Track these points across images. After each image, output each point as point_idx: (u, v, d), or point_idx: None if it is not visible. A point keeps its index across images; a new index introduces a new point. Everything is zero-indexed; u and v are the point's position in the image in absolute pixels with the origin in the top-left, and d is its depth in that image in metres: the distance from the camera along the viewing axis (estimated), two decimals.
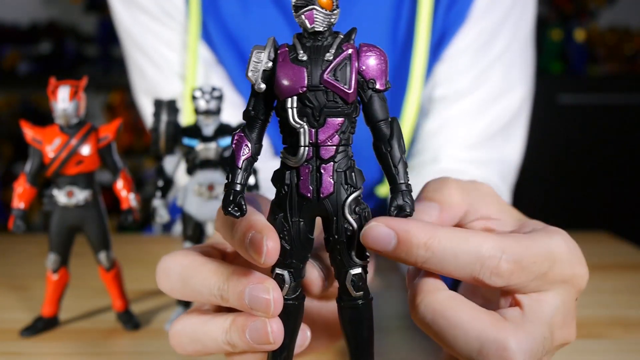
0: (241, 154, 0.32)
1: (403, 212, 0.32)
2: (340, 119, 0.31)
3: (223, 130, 0.50)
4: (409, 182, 0.32)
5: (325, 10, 0.31)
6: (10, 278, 0.67)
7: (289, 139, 0.32)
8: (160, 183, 0.52)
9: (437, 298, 0.32)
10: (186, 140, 0.50)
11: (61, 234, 0.51)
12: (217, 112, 0.50)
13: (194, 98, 0.50)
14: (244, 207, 0.31)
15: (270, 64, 0.32)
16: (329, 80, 0.31)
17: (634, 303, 0.60)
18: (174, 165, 0.52)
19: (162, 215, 0.51)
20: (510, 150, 0.76)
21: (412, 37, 0.75)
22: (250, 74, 0.32)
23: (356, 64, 0.31)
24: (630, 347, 0.49)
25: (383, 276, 0.50)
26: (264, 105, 0.33)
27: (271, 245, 0.30)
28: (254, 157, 0.32)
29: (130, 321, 0.53)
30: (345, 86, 0.31)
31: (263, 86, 0.32)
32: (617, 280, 0.68)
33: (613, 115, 2.16)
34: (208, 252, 0.37)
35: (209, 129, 0.50)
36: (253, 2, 0.76)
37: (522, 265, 0.32)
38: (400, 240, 0.31)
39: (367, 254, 0.33)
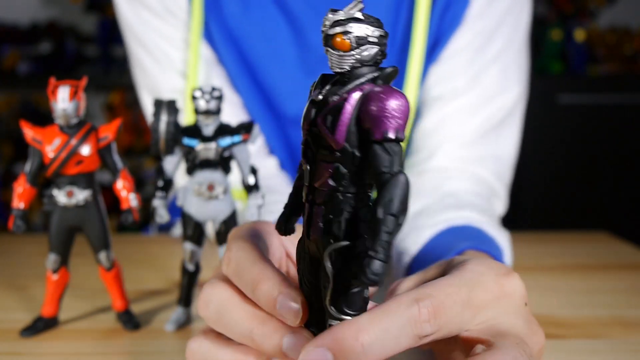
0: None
1: (357, 280, 0.27)
2: (332, 165, 0.29)
3: (223, 130, 0.50)
4: (380, 248, 0.27)
5: (339, 52, 0.29)
6: (10, 278, 0.67)
7: None
8: (160, 183, 0.52)
9: None
10: (186, 140, 0.50)
11: (61, 234, 0.51)
12: (217, 112, 0.50)
13: (194, 98, 0.50)
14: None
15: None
16: (319, 123, 0.30)
17: (633, 303, 0.60)
18: (174, 165, 0.52)
19: (162, 215, 0.51)
20: (504, 147, 0.76)
21: (410, 40, 0.75)
22: None
23: (350, 110, 0.29)
24: (630, 347, 0.49)
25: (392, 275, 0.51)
26: None
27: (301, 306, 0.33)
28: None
29: (130, 321, 0.53)
30: (330, 132, 0.29)
31: None
32: (617, 280, 0.68)
33: (613, 115, 2.15)
34: None
35: (208, 129, 0.50)
36: (254, 2, 0.77)
37: (439, 301, 0.32)
38: (334, 351, 0.30)
39: (348, 310, 0.30)
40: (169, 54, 0.79)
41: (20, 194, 0.50)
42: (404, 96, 0.28)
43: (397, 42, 0.76)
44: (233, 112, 0.77)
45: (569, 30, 2.26)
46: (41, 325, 0.51)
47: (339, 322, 0.31)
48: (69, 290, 0.54)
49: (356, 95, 0.29)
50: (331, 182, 0.30)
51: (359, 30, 0.29)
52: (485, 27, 0.74)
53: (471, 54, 0.74)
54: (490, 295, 0.35)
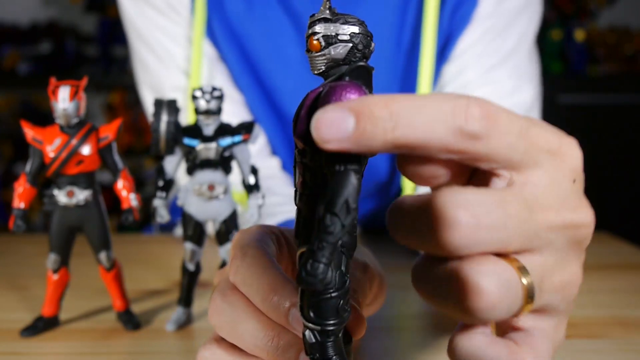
0: None
1: (296, 282, 0.25)
2: (301, 166, 0.29)
3: (223, 130, 0.50)
4: (317, 248, 0.25)
5: (312, 53, 0.29)
6: (11, 278, 0.67)
7: None
8: (161, 183, 0.52)
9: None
10: (187, 140, 0.50)
11: (61, 233, 0.51)
12: (217, 112, 0.50)
13: (194, 98, 0.50)
14: None
15: None
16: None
17: (633, 303, 0.60)
18: (175, 165, 0.52)
19: (162, 215, 0.52)
20: None
21: (418, 41, 0.75)
22: None
23: (307, 107, 0.28)
24: (630, 347, 0.49)
25: (396, 275, 0.50)
26: None
27: None
28: None
29: (130, 321, 0.53)
30: (293, 133, 0.29)
31: None
32: (617, 280, 0.68)
33: (613, 115, 2.16)
34: None
35: (209, 128, 0.50)
36: (257, 0, 0.76)
37: (495, 112, 0.26)
38: (359, 115, 0.25)
39: (314, 317, 0.28)
40: (172, 51, 0.79)
41: (21, 194, 0.50)
42: (361, 90, 0.27)
43: (404, 43, 0.76)
44: (235, 111, 0.77)
45: (569, 30, 2.26)
46: (41, 325, 0.51)
47: (308, 333, 0.29)
48: (69, 290, 0.54)
49: (310, 94, 0.29)
50: (301, 184, 0.29)
51: (326, 29, 0.28)
52: (494, 25, 0.74)
53: (480, 49, 0.74)
54: (546, 145, 0.28)
